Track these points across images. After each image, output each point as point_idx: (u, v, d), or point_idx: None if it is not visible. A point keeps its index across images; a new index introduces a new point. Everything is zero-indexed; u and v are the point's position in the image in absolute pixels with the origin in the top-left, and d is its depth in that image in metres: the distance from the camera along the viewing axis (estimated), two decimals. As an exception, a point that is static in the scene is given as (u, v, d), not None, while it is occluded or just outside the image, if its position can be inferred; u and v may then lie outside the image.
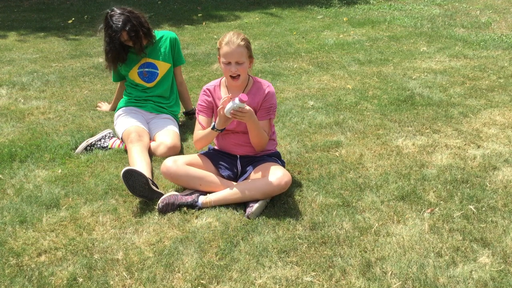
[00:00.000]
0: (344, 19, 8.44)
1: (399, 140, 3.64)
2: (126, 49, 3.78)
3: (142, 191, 2.85)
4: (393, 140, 3.65)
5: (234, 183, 2.94)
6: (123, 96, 4.00)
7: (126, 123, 3.64)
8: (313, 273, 2.28)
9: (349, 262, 2.34)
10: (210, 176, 2.93)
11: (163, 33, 3.96)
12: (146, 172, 3.06)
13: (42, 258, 2.45)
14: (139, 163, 3.18)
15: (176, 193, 2.87)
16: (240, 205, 2.83)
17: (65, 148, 3.63)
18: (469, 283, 2.20)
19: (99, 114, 4.35)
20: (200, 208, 2.81)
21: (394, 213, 2.73)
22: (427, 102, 4.39)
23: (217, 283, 2.25)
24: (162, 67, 3.90)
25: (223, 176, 2.99)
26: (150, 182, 2.89)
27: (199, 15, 9.24)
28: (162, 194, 2.87)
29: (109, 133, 3.75)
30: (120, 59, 3.78)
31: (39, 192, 3.04)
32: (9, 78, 5.47)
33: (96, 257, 2.43)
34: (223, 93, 3.00)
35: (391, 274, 2.26)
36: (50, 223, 2.72)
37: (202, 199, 2.82)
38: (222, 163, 3.03)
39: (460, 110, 4.17)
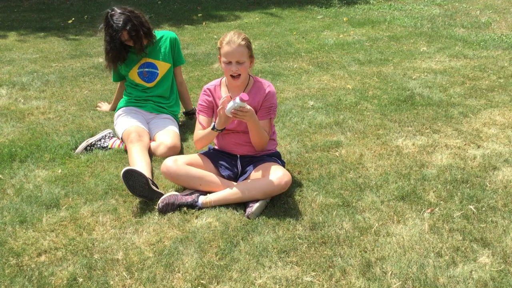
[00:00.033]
0: (344, 19, 8.44)
1: (399, 140, 3.64)
2: (127, 48, 3.78)
3: (142, 191, 2.85)
4: (393, 140, 3.65)
5: (234, 183, 2.94)
6: (123, 96, 4.00)
7: (126, 123, 3.64)
8: (313, 273, 2.29)
9: (349, 262, 2.34)
10: (210, 176, 2.94)
11: (163, 33, 3.96)
12: (146, 172, 3.06)
13: (42, 258, 2.45)
14: (139, 163, 3.18)
15: (176, 193, 2.88)
16: (240, 205, 2.83)
17: (65, 148, 3.63)
18: (469, 283, 2.20)
19: (99, 114, 4.35)
20: (200, 208, 2.81)
21: (394, 213, 2.73)
22: (427, 102, 4.39)
23: (217, 283, 2.25)
24: (162, 67, 3.90)
25: (223, 176, 2.99)
26: (150, 182, 2.89)
27: (199, 15, 9.24)
28: (162, 194, 2.87)
29: (109, 133, 3.75)
30: (120, 58, 3.78)
31: (39, 192, 3.04)
32: (9, 78, 5.47)
33: (96, 257, 2.43)
34: (224, 92, 3.00)
35: (391, 274, 2.26)
36: (50, 223, 2.72)
37: (202, 199, 2.82)
38: (222, 163, 3.04)
39: (460, 110, 4.17)
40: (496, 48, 6.16)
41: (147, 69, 3.87)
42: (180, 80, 4.10)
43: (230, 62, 2.84)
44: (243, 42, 2.83)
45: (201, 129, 3.01)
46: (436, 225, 2.62)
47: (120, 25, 3.60)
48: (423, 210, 2.76)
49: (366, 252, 2.42)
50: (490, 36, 6.77)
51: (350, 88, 4.88)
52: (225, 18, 8.96)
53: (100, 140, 3.66)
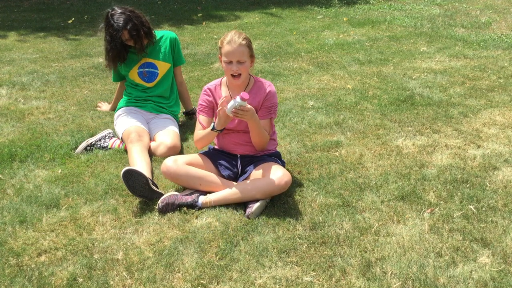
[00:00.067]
0: (344, 19, 8.44)
1: (399, 140, 3.64)
2: (127, 48, 3.78)
3: (142, 191, 2.85)
4: (393, 140, 3.65)
5: (234, 183, 2.94)
6: (123, 96, 4.00)
7: (126, 123, 3.64)
8: (313, 273, 2.29)
9: (349, 262, 2.34)
10: (210, 176, 2.94)
11: (163, 33, 3.96)
12: (146, 172, 3.06)
13: (42, 258, 2.45)
14: (139, 163, 3.18)
15: (176, 193, 2.88)
16: (240, 205, 2.83)
17: (65, 148, 3.63)
18: (469, 283, 2.20)
19: (99, 114, 4.35)
20: (200, 208, 2.81)
21: (394, 213, 2.73)
22: (427, 102, 4.39)
23: (217, 283, 2.25)
24: (162, 67, 3.90)
25: (223, 176, 2.99)
26: (150, 182, 2.89)
27: (199, 15, 9.24)
28: (162, 194, 2.87)
29: (109, 133, 3.75)
30: (120, 58, 3.78)
31: (39, 192, 3.04)
32: (9, 78, 5.47)
33: (96, 257, 2.43)
34: (224, 92, 3.01)
35: (391, 274, 2.26)
36: (50, 223, 2.72)
37: (202, 199, 2.82)
38: (223, 162, 3.04)
39: (460, 110, 4.17)
40: (496, 48, 6.16)
41: (147, 69, 3.87)
42: (180, 80, 4.10)
43: (231, 62, 2.85)
44: (244, 42, 2.84)
45: (201, 129, 3.01)
46: (436, 225, 2.62)
47: (120, 24, 3.60)
48: (423, 210, 2.76)
49: (366, 252, 2.42)
50: (490, 36, 6.77)
51: (350, 88, 4.88)
52: (225, 18, 8.96)
53: (100, 140, 3.66)
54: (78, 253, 2.47)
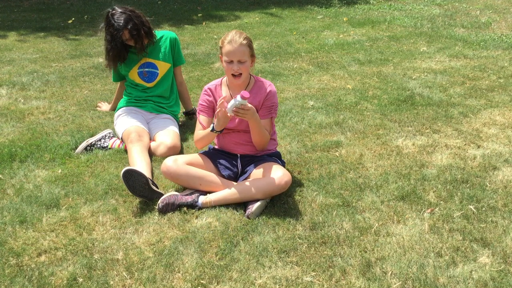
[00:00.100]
0: (344, 19, 8.44)
1: (399, 140, 3.64)
2: (127, 48, 3.78)
3: (142, 191, 2.85)
4: (393, 140, 3.65)
5: (234, 183, 2.94)
6: (123, 96, 4.00)
7: (126, 123, 3.64)
8: (313, 273, 2.29)
9: (349, 262, 2.34)
10: (210, 175, 2.94)
11: (163, 33, 3.96)
12: (146, 172, 3.06)
13: (42, 258, 2.45)
14: (139, 163, 3.18)
15: (176, 193, 2.88)
16: (240, 205, 2.83)
17: (65, 148, 3.63)
18: (469, 283, 2.20)
19: (99, 114, 4.35)
20: (200, 208, 2.81)
21: (394, 213, 2.73)
22: (427, 102, 4.39)
23: (217, 283, 2.25)
24: (162, 67, 3.90)
25: (223, 176, 2.99)
26: (150, 182, 2.89)
27: (199, 15, 9.24)
28: (162, 194, 2.87)
29: (109, 133, 3.75)
30: (121, 58, 3.78)
31: (39, 192, 3.04)
32: (9, 78, 5.47)
33: (96, 257, 2.43)
34: (224, 92, 3.01)
35: (391, 274, 2.26)
36: (50, 223, 2.72)
37: (202, 199, 2.82)
38: (223, 162, 3.04)
39: (460, 110, 4.18)
40: (496, 48, 6.16)
41: (147, 69, 3.87)
42: (180, 80, 4.10)
43: (231, 61, 2.85)
44: (244, 41, 2.84)
45: (202, 129, 3.01)
46: (436, 225, 2.62)
47: (121, 24, 3.60)
48: (423, 210, 2.76)
49: (366, 252, 2.42)
50: (490, 36, 6.77)
51: (350, 88, 4.88)
52: (225, 18, 8.96)
53: (100, 140, 3.66)
54: (78, 253, 2.47)
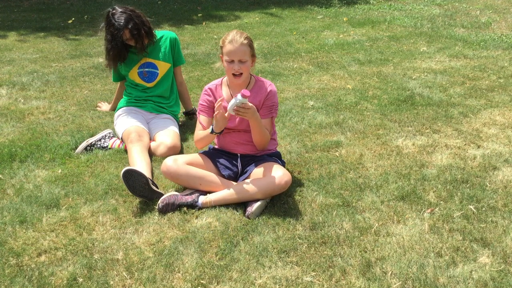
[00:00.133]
0: (344, 19, 8.45)
1: (399, 140, 3.64)
2: (127, 48, 3.78)
3: (142, 191, 2.85)
4: (393, 140, 3.65)
5: (234, 183, 2.94)
6: (123, 96, 4.00)
7: (126, 123, 3.64)
8: (313, 273, 2.29)
9: (349, 262, 2.34)
10: (210, 175, 2.94)
11: (163, 33, 3.96)
12: (146, 172, 3.06)
13: (42, 258, 2.45)
14: (139, 163, 3.18)
15: (176, 193, 2.88)
16: (240, 205, 2.83)
17: (65, 148, 3.63)
18: (469, 283, 2.20)
19: (99, 114, 4.35)
20: (200, 208, 2.81)
21: (394, 213, 2.73)
22: (427, 102, 4.39)
23: (217, 283, 2.25)
24: (162, 67, 3.90)
25: (223, 176, 2.99)
26: (150, 182, 2.89)
27: (199, 15, 9.24)
28: (162, 194, 2.87)
29: (109, 133, 3.75)
30: (121, 57, 3.78)
31: (39, 192, 3.04)
32: (9, 78, 5.47)
33: (96, 257, 2.43)
34: (225, 92, 3.01)
35: (391, 274, 2.26)
36: (50, 223, 2.72)
37: (202, 199, 2.82)
38: (223, 162, 3.04)
39: (460, 110, 4.18)
40: (496, 48, 6.16)
41: (147, 69, 3.87)
42: (180, 80, 4.10)
43: (232, 61, 2.85)
44: (245, 41, 2.85)
45: (202, 129, 3.01)
46: (436, 225, 2.62)
47: (122, 23, 3.60)
48: (423, 210, 2.76)
49: (366, 252, 2.42)
50: (490, 36, 6.77)
51: (350, 88, 4.88)
52: (225, 18, 8.96)
53: (100, 140, 3.66)
54: (78, 253, 2.47)
